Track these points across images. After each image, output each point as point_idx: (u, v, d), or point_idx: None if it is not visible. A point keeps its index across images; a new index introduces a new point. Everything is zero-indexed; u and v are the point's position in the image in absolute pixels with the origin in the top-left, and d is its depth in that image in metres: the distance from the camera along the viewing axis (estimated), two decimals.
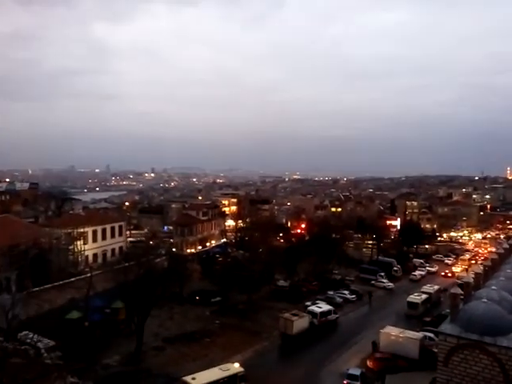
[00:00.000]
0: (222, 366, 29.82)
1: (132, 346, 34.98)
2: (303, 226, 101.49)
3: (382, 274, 68.23)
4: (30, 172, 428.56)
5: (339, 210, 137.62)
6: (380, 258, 79.73)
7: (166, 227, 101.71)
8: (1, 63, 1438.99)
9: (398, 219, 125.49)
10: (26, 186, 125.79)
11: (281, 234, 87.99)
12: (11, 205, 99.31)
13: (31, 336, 29.36)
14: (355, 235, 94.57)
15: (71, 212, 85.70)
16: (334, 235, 73.50)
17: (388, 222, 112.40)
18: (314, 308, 45.57)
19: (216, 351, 36.71)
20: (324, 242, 65.54)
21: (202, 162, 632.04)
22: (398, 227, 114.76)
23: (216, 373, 28.71)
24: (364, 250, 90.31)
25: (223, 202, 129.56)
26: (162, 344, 37.47)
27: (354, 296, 56.40)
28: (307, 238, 79.46)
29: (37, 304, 34.37)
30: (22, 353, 15.08)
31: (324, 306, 46.55)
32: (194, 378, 27.26)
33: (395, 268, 73.49)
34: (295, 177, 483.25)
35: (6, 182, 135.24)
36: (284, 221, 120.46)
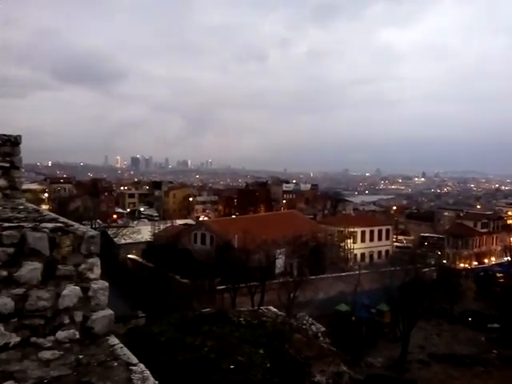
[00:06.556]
0: None
1: (395, 352, 34.77)
2: None
3: None
4: (312, 175, 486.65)
5: None
6: None
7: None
8: (299, 80, 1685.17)
9: None
10: (308, 186, 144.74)
11: None
12: (296, 202, 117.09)
13: (307, 318, 33.82)
14: None
15: (343, 212, 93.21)
16: None
17: None
18: None
19: None
20: None
21: (484, 166, 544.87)
22: None
23: None
24: None
25: (509, 213, 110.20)
26: (427, 359, 35.47)
27: None
28: None
29: (313, 290, 38.73)
30: (303, 331, 17.61)
31: None
32: None
33: None
34: None
35: (293, 182, 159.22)
36: None
